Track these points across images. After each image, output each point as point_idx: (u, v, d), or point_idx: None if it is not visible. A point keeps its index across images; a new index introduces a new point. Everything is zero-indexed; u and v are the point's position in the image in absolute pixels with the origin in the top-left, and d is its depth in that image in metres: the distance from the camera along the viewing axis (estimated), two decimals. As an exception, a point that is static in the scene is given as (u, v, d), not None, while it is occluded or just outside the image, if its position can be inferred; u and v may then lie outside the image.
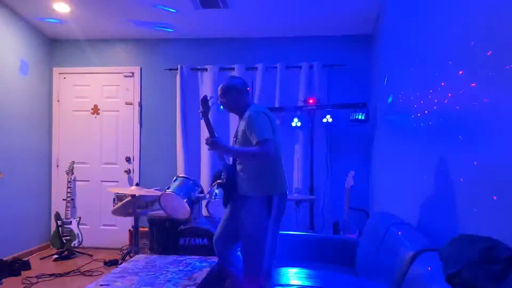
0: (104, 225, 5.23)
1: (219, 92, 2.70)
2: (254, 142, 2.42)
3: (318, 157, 4.77)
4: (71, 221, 4.76)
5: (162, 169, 5.12)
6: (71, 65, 5.31)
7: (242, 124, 2.54)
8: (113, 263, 4.39)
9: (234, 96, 2.66)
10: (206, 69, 5.03)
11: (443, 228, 1.98)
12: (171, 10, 4.34)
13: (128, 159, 5.23)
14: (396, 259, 1.90)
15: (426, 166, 2.29)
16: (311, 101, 4.61)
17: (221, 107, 2.79)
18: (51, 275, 3.99)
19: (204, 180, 4.86)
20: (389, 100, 3.28)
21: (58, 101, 5.31)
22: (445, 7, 2.01)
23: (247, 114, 2.53)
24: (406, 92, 2.84)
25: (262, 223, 2.46)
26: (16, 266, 4.03)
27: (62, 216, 4.80)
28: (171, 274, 2.66)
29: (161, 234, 4.06)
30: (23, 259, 4.26)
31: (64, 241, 4.68)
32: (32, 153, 4.92)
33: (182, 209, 3.77)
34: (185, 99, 5.03)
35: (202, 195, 3.80)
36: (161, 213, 4.02)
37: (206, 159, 4.94)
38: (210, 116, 2.70)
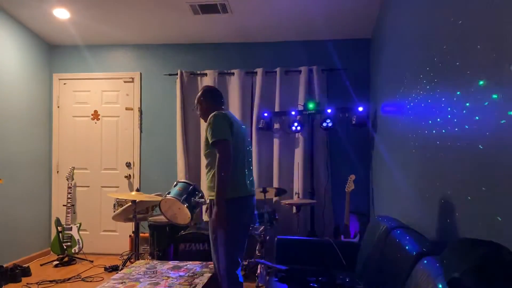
0: (104, 230, 5.22)
1: (195, 102, 2.92)
2: (210, 142, 2.54)
3: (318, 161, 4.77)
4: (71, 227, 4.76)
5: (162, 174, 5.12)
6: (71, 71, 5.32)
7: (205, 130, 2.66)
8: (113, 269, 4.38)
9: (207, 105, 2.84)
10: (206, 74, 5.04)
11: (444, 232, 1.98)
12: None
13: (128, 165, 5.23)
14: (397, 263, 1.89)
15: (426, 169, 2.29)
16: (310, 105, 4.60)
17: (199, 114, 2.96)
18: (51, 281, 3.98)
19: (205, 185, 4.84)
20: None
21: (58, 106, 5.32)
22: (445, 7, 2.01)
23: (208, 119, 2.65)
24: (406, 92, 2.85)
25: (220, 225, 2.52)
26: (16, 273, 4.03)
27: (63, 222, 4.79)
28: (172, 280, 2.65)
29: (162, 239, 4.05)
30: (23, 266, 4.25)
31: (65, 247, 4.67)
32: (32, 159, 4.92)
33: (182, 214, 3.76)
34: (185, 104, 5.03)
35: (203, 200, 3.79)
36: (161, 218, 4.02)
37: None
38: None
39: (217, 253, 2.59)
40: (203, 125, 4.97)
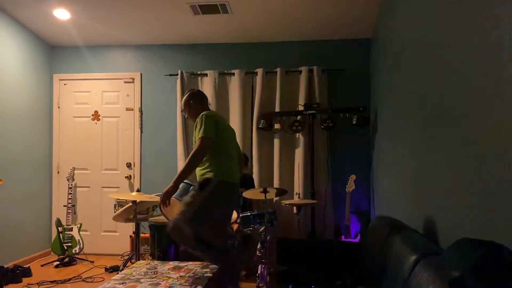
0: (105, 231, 5.22)
1: (182, 104, 3.20)
2: (196, 138, 2.85)
3: (319, 161, 4.77)
4: (72, 228, 4.76)
5: (163, 174, 5.12)
6: (72, 71, 5.33)
7: (194, 128, 2.95)
8: (114, 269, 4.38)
9: (196, 106, 3.12)
10: (206, 74, 5.04)
11: (445, 232, 1.98)
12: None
13: (128, 165, 5.23)
14: (398, 263, 1.89)
15: (427, 169, 2.29)
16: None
17: (186, 116, 3.24)
18: (52, 281, 3.98)
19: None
20: None
21: (58, 107, 5.32)
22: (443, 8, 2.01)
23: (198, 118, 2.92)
24: (406, 93, 2.85)
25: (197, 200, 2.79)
26: (17, 273, 4.03)
27: (63, 222, 4.79)
28: (173, 280, 2.66)
29: (162, 240, 4.05)
30: (24, 266, 4.25)
31: (65, 247, 4.67)
32: (33, 160, 4.92)
33: None
34: (186, 104, 5.03)
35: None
36: (162, 219, 4.02)
37: (207, 164, 4.93)
38: None
39: (186, 212, 2.75)
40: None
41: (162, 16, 4.41)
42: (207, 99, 3.26)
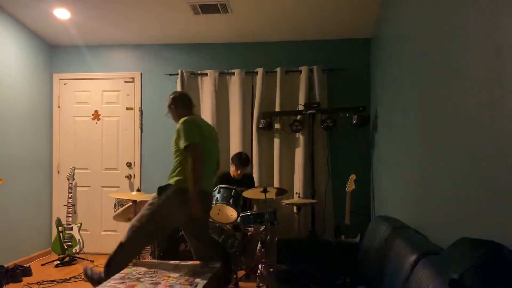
0: (105, 230, 5.22)
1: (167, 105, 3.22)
2: (182, 147, 2.82)
3: (319, 161, 4.77)
4: (72, 227, 4.76)
5: (163, 174, 5.06)
6: (72, 71, 5.33)
7: (174, 134, 2.94)
8: (114, 268, 4.37)
9: (177, 111, 3.13)
10: (207, 74, 5.04)
11: (445, 232, 1.98)
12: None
13: (129, 165, 5.23)
14: (398, 263, 1.89)
15: (427, 169, 2.29)
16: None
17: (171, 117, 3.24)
18: (52, 281, 3.98)
19: (205, 185, 4.85)
20: None
21: (58, 107, 5.33)
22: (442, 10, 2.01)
23: (179, 124, 2.92)
24: (406, 92, 2.85)
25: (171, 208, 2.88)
26: (17, 272, 4.03)
27: (63, 222, 4.79)
28: (173, 280, 2.66)
29: (162, 239, 4.05)
30: (24, 265, 4.25)
31: (65, 247, 4.67)
32: (33, 159, 4.92)
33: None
34: (186, 104, 5.02)
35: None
36: (162, 218, 4.01)
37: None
38: None
39: (150, 214, 2.84)
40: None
41: (162, 15, 4.41)
42: (191, 102, 3.24)
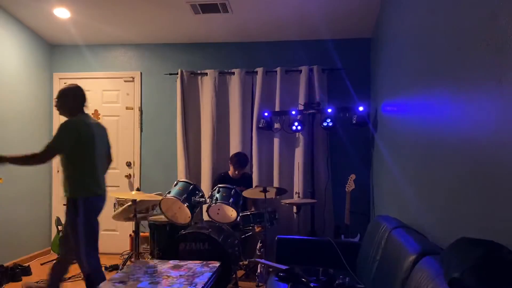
0: (104, 230, 5.19)
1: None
2: (47, 143, 2.81)
3: (319, 160, 4.77)
4: (71, 226, 4.75)
5: (163, 173, 5.12)
6: (71, 70, 5.33)
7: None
8: (114, 268, 4.38)
9: (63, 102, 3.01)
10: (206, 74, 5.04)
11: (444, 232, 1.98)
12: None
13: (128, 164, 5.23)
14: (397, 263, 1.89)
15: (427, 168, 2.29)
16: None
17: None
18: (51, 280, 3.98)
19: (205, 185, 4.86)
20: None
21: (58, 106, 5.31)
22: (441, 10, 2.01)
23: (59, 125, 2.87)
24: (406, 92, 2.85)
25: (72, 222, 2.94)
26: (17, 272, 4.03)
27: (63, 221, 4.78)
28: (172, 279, 2.66)
29: (162, 239, 4.05)
30: (24, 265, 4.25)
31: (65, 246, 4.66)
32: (33, 159, 4.91)
33: (183, 213, 3.77)
34: (185, 103, 5.03)
35: (203, 199, 3.80)
36: (162, 218, 4.02)
37: (207, 163, 4.94)
38: None
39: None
40: (204, 125, 4.98)
41: (162, 15, 4.41)
42: (83, 97, 3.11)
